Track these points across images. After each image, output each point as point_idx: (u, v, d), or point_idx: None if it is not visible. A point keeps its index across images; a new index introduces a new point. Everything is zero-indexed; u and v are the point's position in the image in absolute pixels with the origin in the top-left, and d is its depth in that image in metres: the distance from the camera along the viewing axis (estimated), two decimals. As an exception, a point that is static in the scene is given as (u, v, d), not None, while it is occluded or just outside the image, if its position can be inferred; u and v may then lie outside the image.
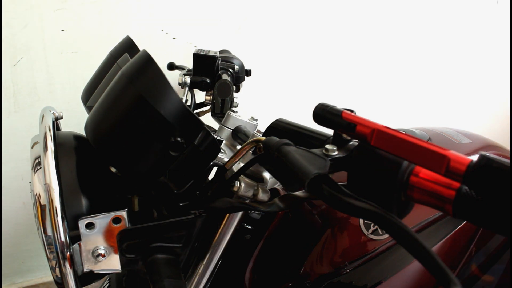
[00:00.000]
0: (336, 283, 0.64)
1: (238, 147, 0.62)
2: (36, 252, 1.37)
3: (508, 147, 0.92)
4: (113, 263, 0.47)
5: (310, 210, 0.68)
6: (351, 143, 0.42)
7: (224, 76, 0.84)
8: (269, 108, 1.55)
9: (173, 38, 1.30)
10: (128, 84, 0.43)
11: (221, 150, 0.57)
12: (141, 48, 0.54)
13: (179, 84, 0.86)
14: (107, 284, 0.75)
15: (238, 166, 0.52)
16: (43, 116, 0.51)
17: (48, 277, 1.41)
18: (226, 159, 0.53)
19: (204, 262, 0.58)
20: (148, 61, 0.44)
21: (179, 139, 0.43)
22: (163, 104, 0.42)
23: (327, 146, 0.40)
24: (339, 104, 0.42)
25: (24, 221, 1.31)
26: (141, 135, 0.43)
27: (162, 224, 0.48)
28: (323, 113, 0.41)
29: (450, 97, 1.94)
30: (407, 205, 0.36)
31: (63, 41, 1.17)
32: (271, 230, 0.68)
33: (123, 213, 0.46)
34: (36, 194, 0.44)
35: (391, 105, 1.82)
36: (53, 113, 0.53)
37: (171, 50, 1.31)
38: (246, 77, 1.02)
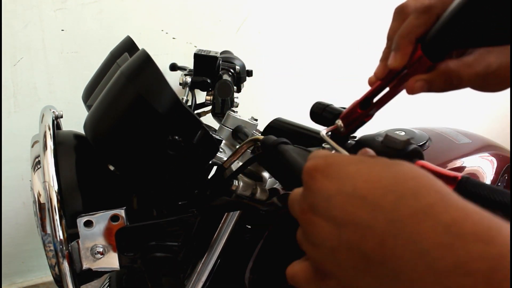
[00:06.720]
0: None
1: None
2: (36, 252, 1.37)
3: (508, 147, 0.92)
4: (111, 261, 0.47)
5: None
6: (348, 141, 0.42)
7: (225, 76, 0.84)
8: (269, 108, 1.55)
9: (173, 38, 1.30)
10: (126, 83, 0.44)
11: (221, 150, 0.57)
12: (141, 48, 0.54)
13: (180, 84, 0.86)
14: (107, 283, 0.75)
15: (237, 165, 0.52)
16: (43, 115, 0.51)
17: (48, 277, 1.41)
18: (226, 159, 0.53)
19: (202, 261, 0.58)
20: (146, 60, 0.45)
21: (176, 137, 0.44)
22: (161, 103, 0.42)
23: (325, 145, 0.40)
24: (339, 104, 0.43)
25: (24, 221, 1.31)
26: (139, 133, 0.43)
27: (160, 222, 0.49)
28: (320, 112, 0.41)
29: (450, 97, 1.94)
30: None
31: (63, 41, 1.17)
32: (271, 230, 0.68)
33: (122, 211, 0.47)
34: (35, 193, 0.44)
35: (391, 105, 1.81)
36: (53, 112, 0.53)
37: (171, 50, 1.31)
38: (247, 77, 1.02)
